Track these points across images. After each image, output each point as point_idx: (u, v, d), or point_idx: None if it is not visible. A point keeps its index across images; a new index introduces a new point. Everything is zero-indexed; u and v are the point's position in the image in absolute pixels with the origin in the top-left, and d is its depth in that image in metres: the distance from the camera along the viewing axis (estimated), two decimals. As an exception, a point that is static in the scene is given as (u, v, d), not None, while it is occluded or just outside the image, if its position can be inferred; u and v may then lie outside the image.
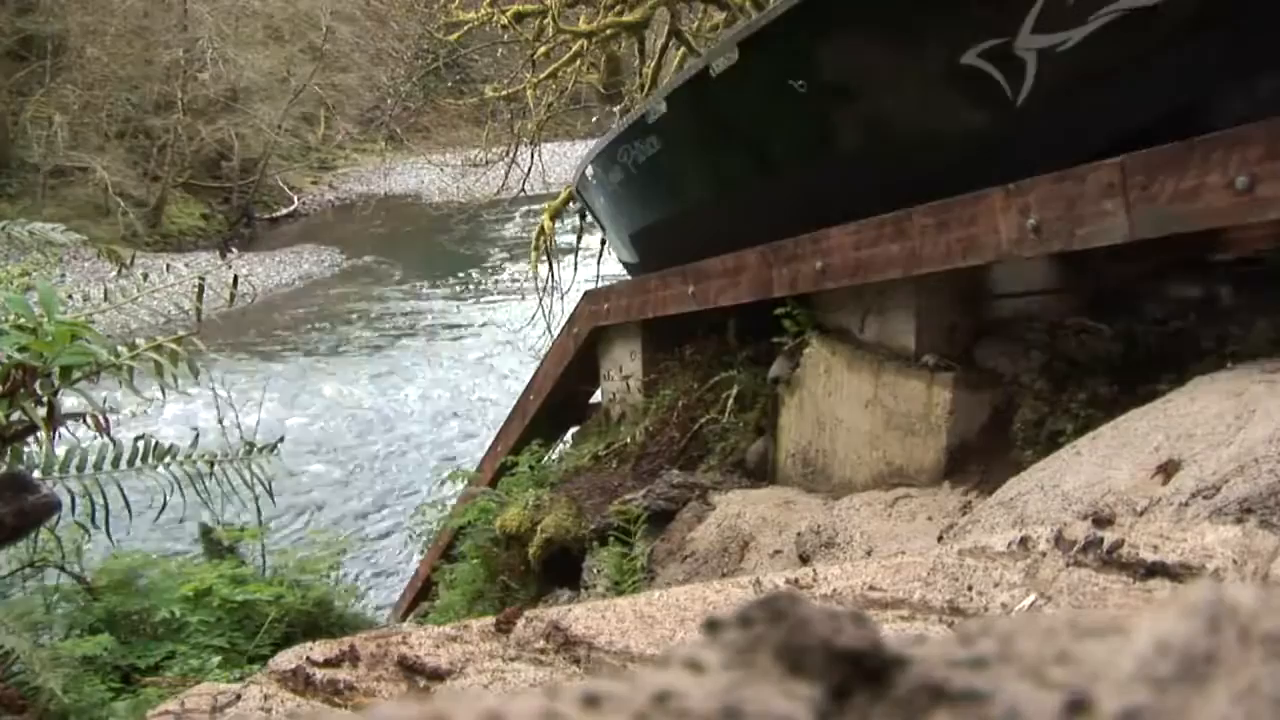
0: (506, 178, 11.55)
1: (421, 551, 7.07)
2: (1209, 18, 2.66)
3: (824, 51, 3.39)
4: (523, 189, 11.46)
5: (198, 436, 3.08)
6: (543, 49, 10.04)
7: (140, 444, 2.67)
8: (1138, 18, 2.64)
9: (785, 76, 3.44)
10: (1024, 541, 1.27)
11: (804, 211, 3.44)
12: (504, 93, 11.01)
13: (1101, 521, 1.25)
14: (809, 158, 3.64)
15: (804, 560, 2.77)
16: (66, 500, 2.40)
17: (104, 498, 2.48)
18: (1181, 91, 2.75)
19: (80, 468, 2.51)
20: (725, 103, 3.89)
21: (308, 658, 1.19)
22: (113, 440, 2.55)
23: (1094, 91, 2.81)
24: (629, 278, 5.85)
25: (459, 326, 16.88)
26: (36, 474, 2.32)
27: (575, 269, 10.48)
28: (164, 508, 2.70)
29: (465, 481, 6.16)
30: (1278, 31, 2.50)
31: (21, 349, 2.09)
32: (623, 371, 5.10)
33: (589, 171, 5.43)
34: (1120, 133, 2.65)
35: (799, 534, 2.95)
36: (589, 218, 7.22)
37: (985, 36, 2.88)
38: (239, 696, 1.18)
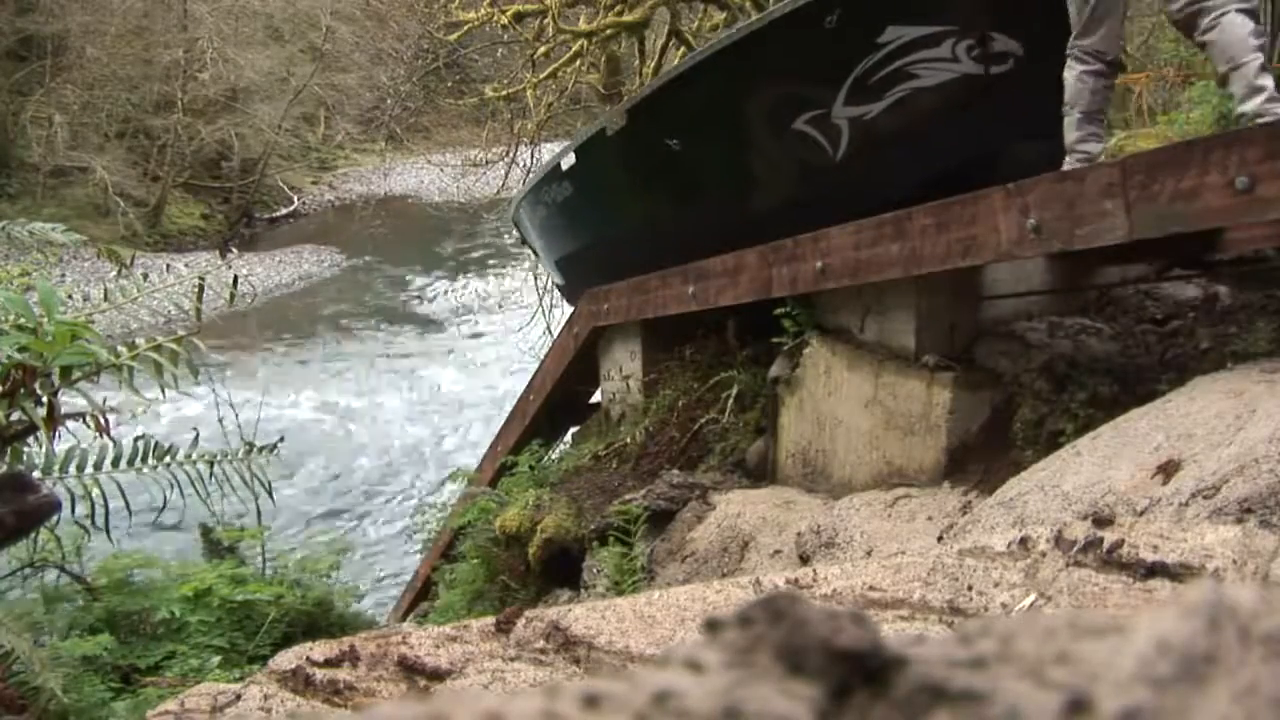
0: (506, 178, 11.55)
1: (421, 551, 7.07)
2: (974, 99, 3.49)
3: (690, 119, 4.19)
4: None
5: (197, 436, 3.07)
6: (543, 49, 10.04)
7: (140, 444, 2.67)
8: (920, 96, 3.51)
9: (663, 137, 4.28)
10: (1024, 541, 1.27)
11: (685, 245, 4.19)
12: (504, 93, 10.99)
13: (1101, 521, 1.25)
14: (684, 201, 4.47)
15: (804, 560, 2.77)
16: (66, 500, 2.40)
17: (104, 498, 2.48)
18: (961, 151, 3.53)
19: (80, 468, 2.50)
20: (619, 157, 4.73)
21: (308, 658, 1.19)
22: (113, 440, 2.55)
23: (892, 150, 3.63)
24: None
25: (459, 326, 16.88)
26: (36, 474, 2.32)
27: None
28: (164, 508, 2.70)
29: (465, 481, 6.16)
30: (1034, 107, 3.20)
31: (21, 349, 2.09)
32: (623, 371, 5.10)
33: (522, 208, 6.29)
34: (916, 182, 3.38)
35: (799, 534, 2.95)
36: (526, 245, 8.15)
37: (809, 108, 3.72)
38: (239, 696, 1.18)
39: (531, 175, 6.68)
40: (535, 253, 7.23)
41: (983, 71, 3.43)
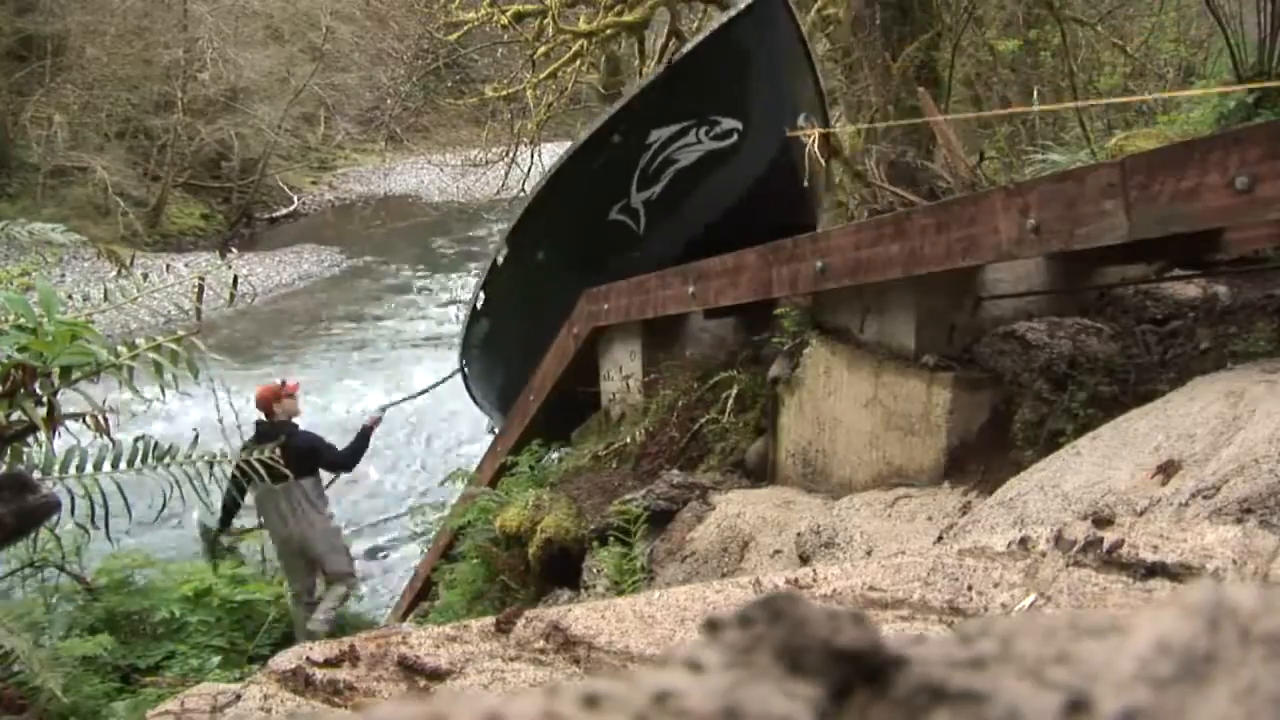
0: (506, 178, 11.56)
1: (421, 551, 7.06)
2: (718, 165, 4.95)
3: (544, 230, 5.77)
4: (523, 189, 11.46)
5: (197, 436, 3.07)
6: (543, 49, 10.04)
7: (140, 444, 2.66)
8: (684, 172, 5.01)
9: (533, 253, 5.85)
10: (1024, 541, 1.27)
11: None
12: (504, 93, 11.01)
13: (1101, 521, 1.25)
14: (557, 293, 5.62)
15: (804, 560, 2.77)
16: (66, 500, 2.40)
17: (104, 498, 2.48)
18: (722, 201, 4.94)
19: (80, 468, 2.50)
20: (509, 279, 6.14)
21: (308, 658, 1.19)
22: (113, 440, 2.54)
23: (672, 218, 5.09)
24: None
25: (458, 325, 16.86)
26: (36, 474, 2.32)
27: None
28: (164, 508, 2.70)
29: (465, 481, 6.15)
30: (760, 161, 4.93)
31: (21, 349, 2.09)
32: (623, 371, 5.10)
33: (469, 365, 7.54)
34: (691, 240, 4.72)
35: (799, 534, 2.94)
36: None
37: (617, 199, 5.20)
38: (239, 696, 1.18)
39: (461, 322, 8.14)
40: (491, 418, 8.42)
41: (719, 146, 4.90)
